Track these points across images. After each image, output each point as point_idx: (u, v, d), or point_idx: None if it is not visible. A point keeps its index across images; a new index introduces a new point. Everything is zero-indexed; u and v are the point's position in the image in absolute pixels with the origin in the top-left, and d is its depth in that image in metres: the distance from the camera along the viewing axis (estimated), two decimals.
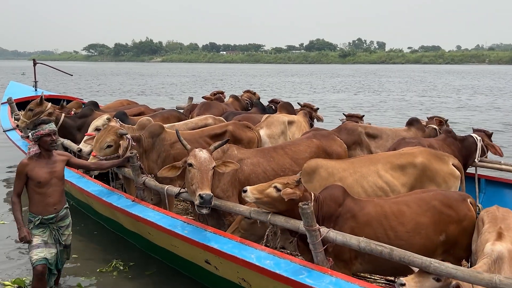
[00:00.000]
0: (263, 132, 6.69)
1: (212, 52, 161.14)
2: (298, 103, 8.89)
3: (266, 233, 3.81)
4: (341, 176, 4.29)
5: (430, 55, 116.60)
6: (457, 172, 4.50)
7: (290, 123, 7.21)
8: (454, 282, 2.87)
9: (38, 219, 4.25)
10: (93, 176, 5.78)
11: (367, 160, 4.49)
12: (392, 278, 4.49)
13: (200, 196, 3.88)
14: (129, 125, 6.23)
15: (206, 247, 3.93)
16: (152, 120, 5.94)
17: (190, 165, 4.06)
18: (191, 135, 5.86)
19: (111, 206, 5.17)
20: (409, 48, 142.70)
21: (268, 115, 7.27)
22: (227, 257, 3.73)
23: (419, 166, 4.37)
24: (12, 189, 4.97)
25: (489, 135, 6.26)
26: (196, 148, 4.21)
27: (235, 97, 9.90)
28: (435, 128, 6.80)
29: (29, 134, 4.34)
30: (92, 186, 5.64)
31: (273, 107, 9.38)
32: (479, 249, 3.42)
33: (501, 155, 6.07)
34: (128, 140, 5.19)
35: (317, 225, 3.24)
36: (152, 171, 5.33)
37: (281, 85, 39.01)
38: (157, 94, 29.95)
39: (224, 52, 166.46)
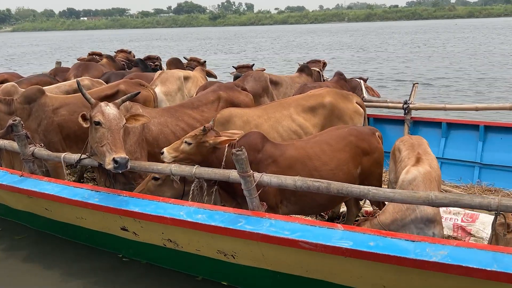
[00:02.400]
0: (158, 90, 6.27)
1: (71, 19, 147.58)
2: (184, 57, 8.55)
3: (192, 188, 3.57)
4: (257, 123, 4.19)
5: (296, 15, 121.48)
6: (361, 110, 4.71)
7: (186, 78, 6.87)
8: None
9: None
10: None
11: (279, 105, 4.45)
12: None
13: (115, 161, 3.48)
14: None
15: (125, 212, 3.57)
16: (18, 86, 5.16)
17: (98, 123, 3.58)
18: (77, 99, 5.23)
19: None
20: (276, 9, 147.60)
21: (161, 71, 6.83)
22: (152, 219, 3.42)
23: (328, 106, 4.46)
24: None
25: (365, 80, 6.75)
26: (102, 102, 3.72)
27: (110, 58, 9.10)
28: (318, 71, 7.12)
29: None
30: None
31: (155, 65, 8.89)
32: (399, 175, 3.62)
33: (378, 96, 6.59)
34: None
35: (251, 171, 3.10)
36: (34, 141, 4.66)
37: (148, 50, 37.50)
38: (5, 66, 26.63)
39: (85, 18, 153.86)
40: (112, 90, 5.47)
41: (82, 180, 6.06)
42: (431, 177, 3.40)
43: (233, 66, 7.97)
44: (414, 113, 6.54)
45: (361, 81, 6.60)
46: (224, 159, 3.58)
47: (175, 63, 8.20)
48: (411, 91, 6.60)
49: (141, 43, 47.66)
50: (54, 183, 4.11)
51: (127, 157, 3.55)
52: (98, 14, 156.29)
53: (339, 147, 3.77)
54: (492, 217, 4.53)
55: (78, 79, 6.39)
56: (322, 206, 3.91)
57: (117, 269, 4.07)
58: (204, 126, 3.58)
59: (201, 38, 56.64)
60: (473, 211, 4.64)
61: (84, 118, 3.67)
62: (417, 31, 53.90)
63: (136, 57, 9.94)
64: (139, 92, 4.20)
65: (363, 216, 4.63)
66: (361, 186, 2.91)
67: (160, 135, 4.42)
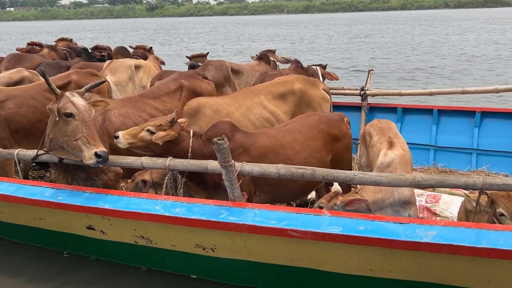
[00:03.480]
0: (108, 80, 5.96)
1: None
2: (129, 46, 8.23)
3: (165, 181, 3.39)
4: (228, 112, 4.05)
5: (236, 7, 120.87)
6: (328, 96, 4.70)
7: (137, 67, 6.58)
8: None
9: None
10: None
11: (249, 93, 4.33)
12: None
13: (97, 155, 3.28)
14: None
15: (93, 210, 3.32)
16: None
17: (71, 115, 3.32)
18: (25, 90, 4.85)
19: None
20: (215, 0, 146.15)
21: (111, 60, 6.48)
22: (125, 215, 3.21)
23: (298, 92, 4.40)
24: None
25: (324, 66, 6.79)
26: (67, 92, 3.44)
27: (51, 47, 8.54)
28: (274, 60, 7.09)
29: None
30: None
31: (101, 55, 8.45)
32: (372, 159, 3.65)
33: (337, 78, 6.64)
34: None
35: (233, 160, 2.98)
36: None
37: (81, 42, 36.02)
38: None
39: (12, 9, 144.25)
40: (63, 81, 5.12)
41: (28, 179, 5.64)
42: (405, 160, 3.46)
43: (186, 56, 7.73)
44: (370, 99, 6.68)
45: (317, 68, 6.61)
46: (190, 150, 3.45)
47: (121, 52, 7.87)
48: (367, 78, 6.73)
49: (73, 34, 45.75)
50: (8, 182, 3.76)
51: (107, 150, 3.35)
52: (26, 5, 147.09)
53: (312, 135, 3.73)
54: (454, 197, 4.77)
55: (14, 70, 5.94)
56: (295, 194, 3.87)
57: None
58: (173, 118, 3.44)
59: (138, 29, 55.15)
60: (434, 191, 4.81)
61: (50, 110, 3.39)
62: (353, 23, 55.54)
63: (78, 46, 9.43)
64: (105, 81, 3.93)
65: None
66: (347, 171, 2.88)
67: (122, 127, 4.17)
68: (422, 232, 2.55)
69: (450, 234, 2.52)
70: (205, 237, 3.19)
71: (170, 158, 3.31)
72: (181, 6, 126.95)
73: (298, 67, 6.28)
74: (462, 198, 4.66)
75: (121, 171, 4.01)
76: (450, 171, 5.75)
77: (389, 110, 6.51)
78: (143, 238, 3.46)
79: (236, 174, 3.01)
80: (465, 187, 2.61)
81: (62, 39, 9.51)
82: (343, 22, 58.03)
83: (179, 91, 4.65)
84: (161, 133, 3.33)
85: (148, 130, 3.36)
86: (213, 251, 3.27)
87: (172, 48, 28.12)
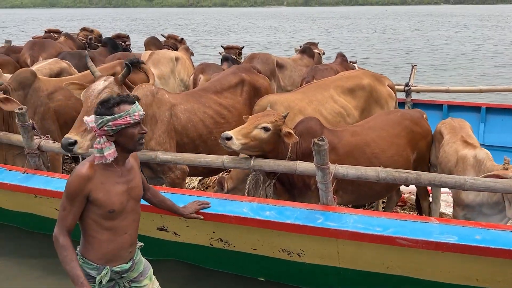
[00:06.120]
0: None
1: None
2: (162, 34, 8.03)
3: (248, 182, 3.23)
4: (300, 107, 3.87)
5: None
6: (393, 93, 4.55)
7: (175, 60, 6.39)
8: None
9: (106, 272, 2.33)
10: None
11: (317, 87, 4.16)
12: None
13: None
14: None
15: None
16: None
17: None
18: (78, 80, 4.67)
19: None
20: None
21: (151, 51, 6.28)
22: (208, 217, 3.04)
23: (367, 88, 4.25)
24: None
25: (354, 63, 6.64)
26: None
27: (68, 36, 8.34)
28: (318, 53, 6.93)
29: (99, 121, 2.20)
30: None
31: (126, 45, 8.23)
32: (446, 160, 3.48)
33: None
34: None
35: (329, 162, 2.81)
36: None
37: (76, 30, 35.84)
38: None
39: None
40: (108, 72, 4.92)
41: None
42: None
43: (222, 46, 7.52)
44: (414, 96, 6.51)
45: (355, 64, 6.46)
46: (289, 149, 3.24)
47: (154, 43, 7.67)
48: (411, 73, 6.56)
49: (73, 23, 45.46)
50: (59, 178, 3.61)
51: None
52: None
53: (396, 133, 3.59)
54: None
55: (51, 60, 5.72)
56: (378, 195, 3.73)
57: None
58: (288, 112, 3.28)
59: (136, 19, 54.83)
60: None
61: None
62: (352, 17, 55.40)
63: (101, 35, 9.20)
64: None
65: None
66: (457, 176, 2.74)
67: (189, 123, 3.95)
68: None
69: None
70: (294, 242, 3.04)
71: (253, 158, 3.14)
72: None
73: (343, 61, 6.10)
74: None
75: (187, 169, 3.84)
76: None
77: (434, 107, 6.35)
78: (221, 240, 3.30)
79: (332, 177, 2.84)
80: None
81: (83, 29, 9.30)
82: (342, 16, 57.91)
83: (240, 85, 4.44)
84: (290, 131, 3.11)
85: (264, 128, 3.07)
86: (299, 256, 3.12)
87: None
